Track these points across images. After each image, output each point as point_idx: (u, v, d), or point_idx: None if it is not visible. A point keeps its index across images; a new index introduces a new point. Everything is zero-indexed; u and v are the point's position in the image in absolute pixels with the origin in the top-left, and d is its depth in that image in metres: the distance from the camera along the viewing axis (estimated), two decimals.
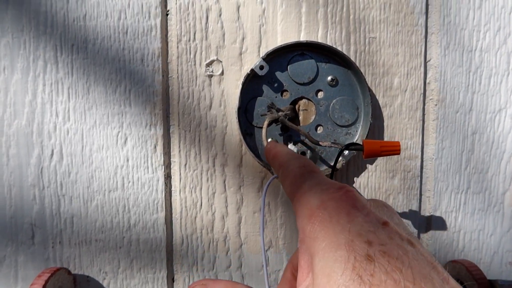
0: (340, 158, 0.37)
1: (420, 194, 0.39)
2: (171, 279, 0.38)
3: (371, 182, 0.39)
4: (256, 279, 0.38)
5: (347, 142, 0.37)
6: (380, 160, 0.38)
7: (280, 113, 0.35)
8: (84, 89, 0.36)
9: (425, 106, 0.39)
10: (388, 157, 0.39)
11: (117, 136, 0.36)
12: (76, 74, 0.36)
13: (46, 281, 0.34)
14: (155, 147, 0.37)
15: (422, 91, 0.38)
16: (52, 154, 0.36)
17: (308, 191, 0.20)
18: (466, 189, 0.40)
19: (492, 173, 0.40)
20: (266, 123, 0.35)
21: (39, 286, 0.33)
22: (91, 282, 0.38)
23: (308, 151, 0.37)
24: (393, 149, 0.29)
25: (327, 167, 0.37)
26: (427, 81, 0.39)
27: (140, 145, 0.37)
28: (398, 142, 0.29)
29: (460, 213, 0.40)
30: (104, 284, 0.38)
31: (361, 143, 0.30)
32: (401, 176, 0.39)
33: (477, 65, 0.39)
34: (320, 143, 0.33)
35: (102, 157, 0.37)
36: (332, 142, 0.32)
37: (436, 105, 0.39)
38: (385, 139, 0.38)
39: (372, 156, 0.30)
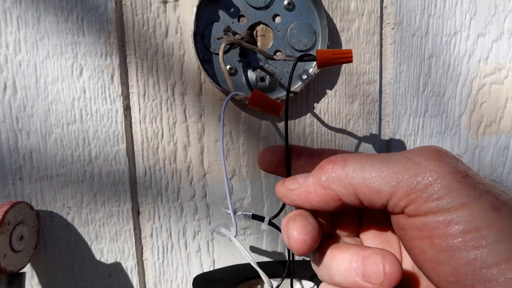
0: (300, 83, 0.38)
1: (380, 119, 0.40)
2: (136, 212, 0.38)
3: (331, 107, 0.39)
4: (221, 208, 0.39)
5: (305, 66, 0.37)
6: (339, 86, 0.39)
7: (236, 36, 0.35)
8: (34, 19, 0.35)
9: (382, 30, 0.39)
10: (347, 82, 0.39)
11: (72, 67, 0.36)
12: (24, 2, 0.35)
13: (6, 212, 0.33)
14: (112, 77, 0.36)
15: (379, 15, 0.38)
16: (5, 88, 0.35)
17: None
18: (424, 112, 0.41)
19: (448, 96, 0.41)
20: (222, 46, 0.35)
21: None
22: (55, 218, 0.37)
23: (267, 77, 0.37)
24: (345, 56, 0.29)
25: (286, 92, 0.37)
26: (384, 4, 0.39)
27: (97, 75, 0.36)
28: (350, 50, 0.29)
29: (419, 136, 0.41)
30: (69, 219, 0.38)
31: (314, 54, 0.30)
32: (360, 101, 0.39)
33: None
34: (274, 57, 0.33)
35: (58, 89, 0.36)
36: (286, 56, 0.32)
37: (393, 28, 0.39)
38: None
39: (326, 65, 0.30)
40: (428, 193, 0.18)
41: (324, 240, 0.24)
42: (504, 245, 0.17)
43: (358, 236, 0.26)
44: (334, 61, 0.30)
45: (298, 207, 0.23)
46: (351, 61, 0.30)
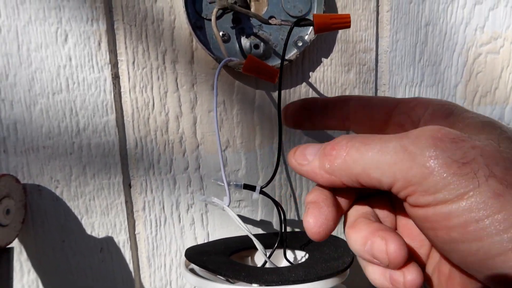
0: (295, 50, 0.37)
1: (376, 88, 0.39)
2: (127, 185, 0.37)
3: (326, 76, 0.38)
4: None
5: (300, 32, 0.36)
6: (335, 54, 0.38)
7: (229, 0, 0.34)
8: None
9: None
10: (343, 50, 0.38)
11: (56, 32, 0.34)
12: None
13: None
14: (99, 44, 0.35)
15: None
16: None
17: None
18: (420, 82, 0.40)
19: (445, 66, 0.40)
20: (215, 10, 0.33)
21: None
22: (43, 191, 0.36)
23: (262, 44, 0.36)
24: (343, 21, 0.28)
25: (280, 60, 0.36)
26: None
27: (83, 42, 0.34)
28: (348, 14, 0.28)
29: None
30: (57, 193, 0.36)
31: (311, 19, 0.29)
32: (356, 69, 0.39)
33: None
34: (270, 21, 0.32)
35: (42, 56, 0.34)
36: (282, 20, 0.31)
37: None
38: (340, 30, 0.38)
39: (324, 30, 0.29)
40: (424, 186, 0.17)
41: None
42: (507, 235, 0.16)
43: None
44: (332, 26, 0.29)
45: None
46: (349, 26, 0.29)
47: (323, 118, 0.30)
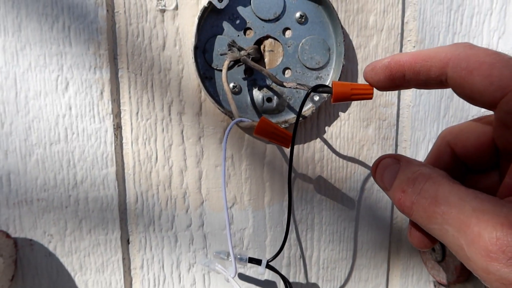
0: (311, 105, 0.34)
1: (396, 145, 0.37)
2: (125, 241, 0.35)
3: (343, 131, 0.35)
4: (219, 239, 0.35)
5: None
6: (353, 108, 0.35)
7: (242, 52, 0.31)
8: (14, 25, 0.31)
9: (403, 48, 0.35)
10: (362, 104, 0.35)
11: (57, 80, 0.32)
12: (3, 7, 0.31)
13: None
14: (101, 93, 0.32)
15: (399, 31, 0.35)
16: None
17: None
18: None
19: None
20: (226, 63, 0.31)
21: None
22: (35, 246, 0.34)
23: (275, 97, 0.33)
24: (365, 93, 0.26)
25: (295, 115, 0.34)
26: (405, 20, 0.35)
27: (84, 91, 0.32)
28: (372, 87, 0.26)
29: None
30: (50, 248, 0.34)
31: (330, 85, 0.27)
32: (376, 125, 0.36)
33: (459, 2, 0.35)
34: (285, 84, 0.29)
35: (40, 105, 0.32)
36: (298, 84, 0.29)
37: (414, 46, 0.35)
38: (359, 83, 0.35)
39: (342, 100, 0.26)
40: None
41: None
42: None
43: None
44: (351, 96, 0.26)
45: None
46: (371, 98, 0.26)
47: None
